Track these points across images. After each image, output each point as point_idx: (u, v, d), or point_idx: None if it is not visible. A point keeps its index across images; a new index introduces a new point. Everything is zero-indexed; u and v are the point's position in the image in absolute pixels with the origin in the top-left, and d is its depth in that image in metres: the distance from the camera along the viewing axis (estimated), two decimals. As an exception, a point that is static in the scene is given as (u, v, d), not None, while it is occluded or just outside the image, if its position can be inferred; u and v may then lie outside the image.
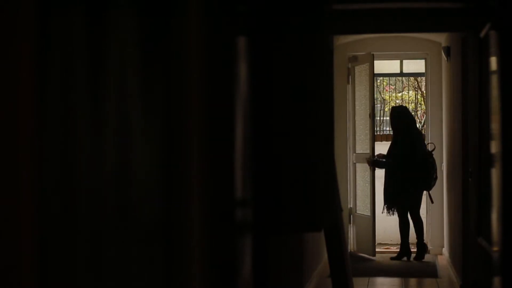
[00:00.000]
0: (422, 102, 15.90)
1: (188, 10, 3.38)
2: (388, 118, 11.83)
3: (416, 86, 16.55)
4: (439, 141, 10.88)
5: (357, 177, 11.05)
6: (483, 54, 6.21)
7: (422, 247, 10.31)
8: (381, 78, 15.78)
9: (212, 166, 3.78)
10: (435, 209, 10.91)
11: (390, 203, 10.15)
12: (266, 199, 4.93)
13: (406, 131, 10.12)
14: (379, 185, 10.56)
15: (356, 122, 11.01)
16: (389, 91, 17.38)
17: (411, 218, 10.25)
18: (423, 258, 10.30)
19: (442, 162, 10.71)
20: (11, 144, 1.83)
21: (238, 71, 4.45)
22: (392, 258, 10.32)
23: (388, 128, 14.86)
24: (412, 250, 10.32)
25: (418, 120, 15.44)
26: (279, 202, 4.94)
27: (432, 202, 10.45)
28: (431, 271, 9.57)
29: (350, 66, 11.06)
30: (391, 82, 16.71)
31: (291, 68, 4.94)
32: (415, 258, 10.25)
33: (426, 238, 10.83)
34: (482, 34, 6.09)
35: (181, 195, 3.26)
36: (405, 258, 10.29)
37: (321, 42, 4.99)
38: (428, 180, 10.04)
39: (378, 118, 15.97)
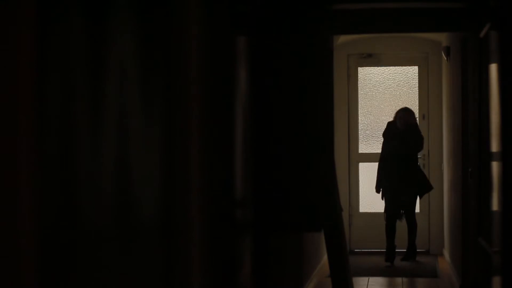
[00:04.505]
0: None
1: (188, 10, 3.38)
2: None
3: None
4: (439, 141, 10.89)
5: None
6: (483, 54, 6.21)
7: (414, 247, 10.19)
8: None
9: (212, 166, 3.78)
10: (435, 209, 10.92)
11: (397, 206, 9.95)
12: (266, 199, 4.93)
13: (415, 132, 10.05)
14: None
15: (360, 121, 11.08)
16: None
17: (408, 221, 10.09)
18: (415, 258, 10.20)
19: (442, 162, 10.72)
20: (11, 144, 1.82)
21: (238, 71, 4.45)
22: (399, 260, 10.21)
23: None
24: (402, 250, 10.25)
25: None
26: (279, 202, 4.94)
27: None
28: (431, 271, 9.57)
29: (353, 65, 11.07)
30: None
31: (290, 68, 4.94)
32: (405, 258, 10.15)
33: (426, 238, 10.84)
34: (482, 34, 6.09)
35: (181, 195, 3.25)
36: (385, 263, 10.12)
37: (321, 42, 4.99)
38: (428, 185, 10.00)
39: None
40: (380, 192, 10.11)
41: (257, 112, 4.90)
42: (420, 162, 10.61)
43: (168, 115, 3.08)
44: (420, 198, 10.19)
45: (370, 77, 11.21)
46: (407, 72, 11.18)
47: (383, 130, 10.34)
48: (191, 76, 3.39)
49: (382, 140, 10.24)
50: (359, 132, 11.21)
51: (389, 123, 10.21)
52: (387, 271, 9.60)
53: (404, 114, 10.04)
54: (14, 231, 1.83)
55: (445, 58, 9.79)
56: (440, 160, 10.85)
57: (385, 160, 10.06)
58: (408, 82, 11.18)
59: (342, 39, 10.70)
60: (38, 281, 1.91)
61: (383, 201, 10.17)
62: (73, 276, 2.16)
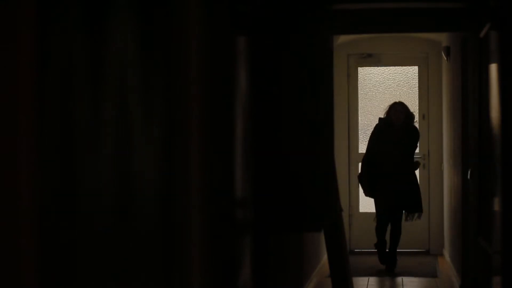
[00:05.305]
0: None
1: (188, 10, 3.38)
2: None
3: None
4: (439, 141, 10.89)
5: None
6: (483, 54, 6.21)
7: (395, 257, 9.64)
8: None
9: (212, 166, 3.78)
10: (435, 209, 10.92)
11: (393, 206, 9.52)
12: (266, 199, 4.93)
13: (412, 130, 9.51)
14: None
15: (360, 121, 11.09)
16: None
17: (395, 225, 9.61)
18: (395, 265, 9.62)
19: (442, 162, 10.72)
20: (11, 144, 1.82)
21: (238, 71, 4.45)
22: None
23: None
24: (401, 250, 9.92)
25: None
26: (279, 202, 4.94)
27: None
28: (431, 271, 9.57)
29: (353, 65, 11.07)
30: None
31: (291, 68, 4.94)
32: (389, 270, 9.56)
33: (426, 238, 10.84)
34: (482, 34, 6.09)
35: (181, 195, 3.25)
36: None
37: (321, 42, 4.99)
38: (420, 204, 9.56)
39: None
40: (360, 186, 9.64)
41: (257, 112, 4.90)
42: (420, 162, 10.37)
43: (168, 115, 3.08)
44: (407, 212, 9.56)
45: (370, 77, 11.22)
46: (407, 72, 11.18)
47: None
48: (191, 76, 3.39)
49: (370, 137, 9.65)
50: (359, 132, 11.21)
51: (381, 119, 9.61)
52: (387, 271, 9.59)
53: (400, 107, 9.40)
54: (14, 231, 1.83)
55: (445, 58, 9.78)
56: (440, 160, 10.85)
57: (377, 158, 9.40)
58: (408, 82, 11.17)
59: (342, 39, 10.70)
60: (38, 281, 1.91)
61: (371, 199, 9.73)
62: (73, 276, 2.16)
